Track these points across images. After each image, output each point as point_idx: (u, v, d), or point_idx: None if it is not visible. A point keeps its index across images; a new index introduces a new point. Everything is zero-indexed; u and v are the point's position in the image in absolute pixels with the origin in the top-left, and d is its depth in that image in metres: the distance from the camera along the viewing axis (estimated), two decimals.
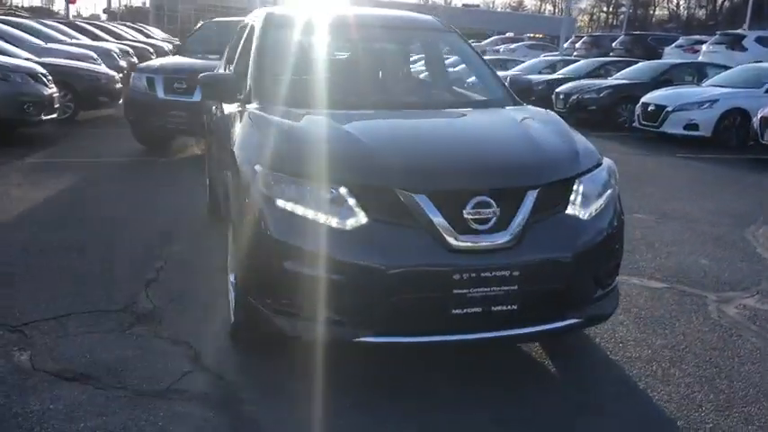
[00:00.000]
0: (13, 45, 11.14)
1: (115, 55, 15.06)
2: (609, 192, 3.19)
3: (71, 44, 15.22)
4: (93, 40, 17.97)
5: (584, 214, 3.02)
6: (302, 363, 3.03)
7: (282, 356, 3.20)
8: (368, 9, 4.85)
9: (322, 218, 2.76)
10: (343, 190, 2.78)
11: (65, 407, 2.80)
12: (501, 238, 2.80)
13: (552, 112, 3.83)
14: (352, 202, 2.76)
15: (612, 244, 3.17)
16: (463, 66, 4.30)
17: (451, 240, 2.74)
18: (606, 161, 3.35)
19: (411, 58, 4.57)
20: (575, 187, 3.04)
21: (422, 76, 4.35)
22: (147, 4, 59.29)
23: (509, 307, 2.83)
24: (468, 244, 2.76)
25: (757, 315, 4.04)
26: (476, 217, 2.78)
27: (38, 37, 14.19)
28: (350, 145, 3.03)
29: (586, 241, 3.00)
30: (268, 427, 2.74)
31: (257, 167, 2.95)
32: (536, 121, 3.56)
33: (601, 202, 3.12)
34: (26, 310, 3.70)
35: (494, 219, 2.80)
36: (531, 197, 2.87)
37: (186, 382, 3.04)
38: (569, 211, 2.99)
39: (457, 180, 2.90)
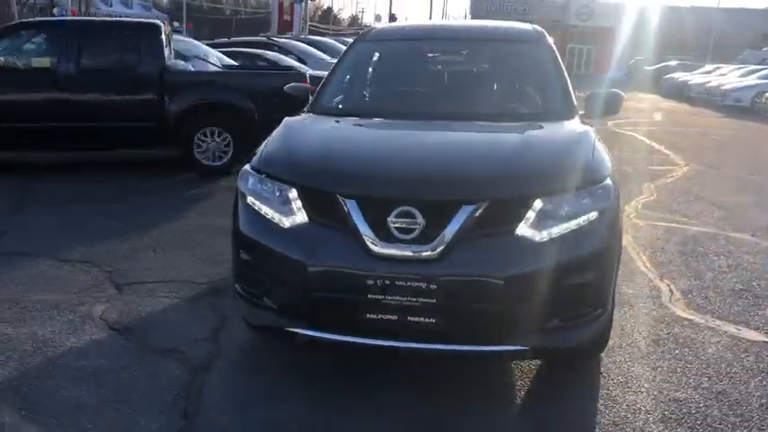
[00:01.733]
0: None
1: None
2: (587, 216, 2.91)
3: None
4: None
5: (538, 236, 2.82)
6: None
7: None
8: (462, 21, 4.86)
9: (270, 215, 3.04)
10: (293, 191, 3.02)
11: (85, 346, 3.51)
12: (423, 250, 2.78)
13: (587, 129, 3.53)
14: (297, 202, 2.99)
15: (579, 271, 2.89)
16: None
17: (372, 246, 2.81)
18: (607, 184, 3.05)
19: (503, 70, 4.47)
20: (534, 206, 2.86)
21: (496, 87, 4.26)
22: None
23: (427, 320, 2.80)
24: (388, 251, 2.80)
25: None
26: (399, 226, 2.81)
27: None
28: (313, 150, 3.23)
29: (532, 265, 2.80)
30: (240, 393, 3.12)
31: (246, 165, 3.34)
32: (544, 138, 3.36)
33: (568, 225, 2.87)
34: (139, 275, 4.57)
35: (417, 229, 2.79)
36: (465, 212, 2.79)
37: (192, 347, 3.54)
38: (520, 231, 2.82)
39: (384, 188, 2.95)
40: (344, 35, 32.07)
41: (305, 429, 2.83)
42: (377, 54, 4.47)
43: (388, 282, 2.78)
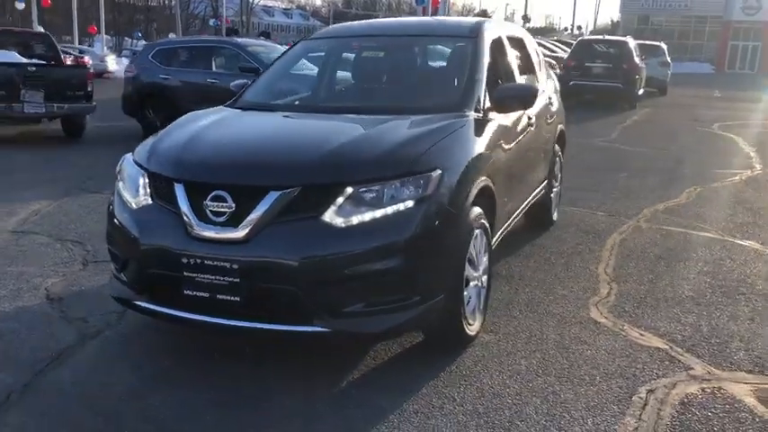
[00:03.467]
0: None
1: None
2: (400, 205, 2.95)
3: None
4: None
5: (342, 222, 2.90)
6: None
7: None
8: (408, 18, 4.90)
9: (126, 197, 3.34)
10: (144, 176, 3.31)
11: (12, 310, 3.98)
12: (232, 233, 2.95)
13: (454, 122, 3.51)
14: (146, 187, 3.27)
15: (384, 258, 2.92)
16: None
17: (190, 227, 3.02)
18: (429, 175, 3.05)
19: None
20: (344, 193, 2.94)
21: (406, 82, 4.27)
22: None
23: (232, 298, 2.96)
24: (203, 233, 2.99)
25: None
26: (213, 209, 3.00)
27: None
28: (171, 140, 3.49)
29: (330, 249, 2.88)
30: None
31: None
32: (387, 129, 3.39)
33: (377, 212, 2.92)
34: None
35: (228, 213, 2.97)
36: (272, 197, 2.93)
37: (98, 318, 3.91)
38: (326, 216, 2.91)
39: (202, 173, 3.14)
40: None
41: (129, 393, 3.08)
42: (311, 52, 4.66)
43: (200, 261, 2.98)
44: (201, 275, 2.99)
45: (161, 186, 3.22)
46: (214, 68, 11.57)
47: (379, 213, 2.93)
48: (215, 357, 3.41)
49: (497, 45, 4.63)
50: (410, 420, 2.84)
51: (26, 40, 13.25)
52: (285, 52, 4.66)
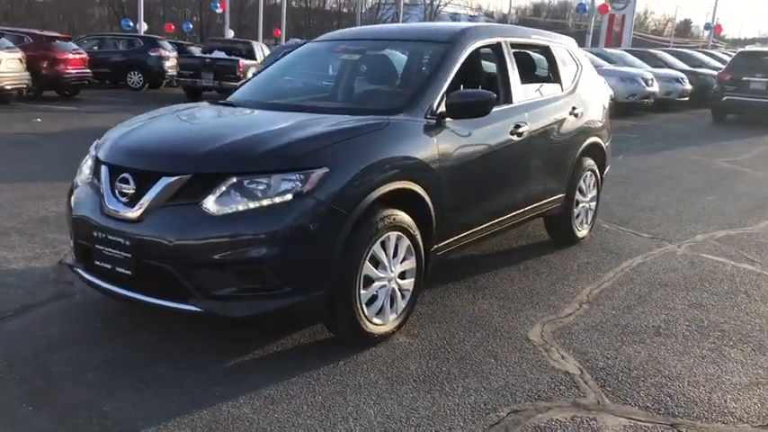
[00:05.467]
0: None
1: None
2: (278, 198, 3.10)
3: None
4: None
5: (218, 210, 3.10)
6: None
7: None
8: (405, 24, 4.92)
9: (78, 177, 3.78)
10: (90, 161, 3.72)
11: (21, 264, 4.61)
12: (128, 212, 3.26)
13: (373, 123, 3.56)
14: (88, 169, 3.69)
15: (256, 247, 3.08)
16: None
17: (103, 204, 3.38)
18: (311, 172, 3.16)
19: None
20: (226, 182, 3.14)
21: (371, 84, 4.31)
22: None
23: (126, 271, 3.27)
24: (111, 210, 3.33)
25: None
26: (120, 190, 3.33)
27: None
28: (122, 128, 3.87)
29: (203, 234, 3.10)
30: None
31: None
32: (300, 125, 3.52)
33: (254, 203, 3.09)
34: None
35: (129, 194, 3.28)
36: (163, 182, 3.20)
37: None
38: (206, 203, 3.13)
39: (117, 157, 3.47)
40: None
41: (46, 348, 3.49)
42: (302, 53, 4.88)
43: (104, 235, 3.33)
44: (106, 248, 3.33)
45: (97, 168, 3.60)
46: None
47: (254, 204, 3.10)
48: (123, 324, 3.75)
49: (490, 51, 4.58)
50: (254, 404, 2.99)
51: (234, 45, 20.98)
52: (286, 53, 4.95)
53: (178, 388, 3.11)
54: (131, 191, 3.29)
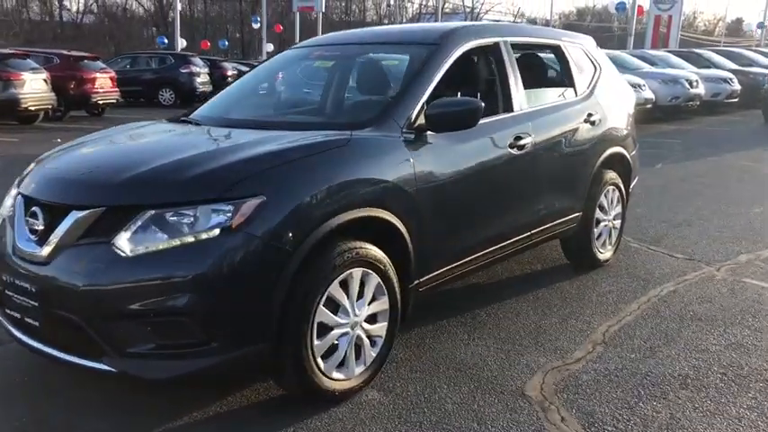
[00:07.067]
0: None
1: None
2: (203, 234, 2.56)
3: None
4: None
5: (130, 249, 2.57)
6: None
7: None
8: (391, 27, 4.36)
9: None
10: (14, 190, 3.21)
11: None
12: (38, 251, 2.76)
13: (327, 140, 3.00)
14: (10, 200, 3.17)
15: (174, 294, 2.53)
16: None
17: (14, 243, 2.88)
18: (242, 202, 2.61)
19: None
20: (141, 216, 2.60)
21: (346, 93, 3.75)
22: None
23: (33, 322, 2.78)
24: (22, 249, 2.83)
25: None
26: (30, 226, 2.83)
27: None
28: (49, 153, 3.39)
29: (112, 279, 2.57)
30: None
31: None
32: (240, 145, 2.98)
33: (173, 242, 2.55)
34: None
35: (39, 231, 2.78)
36: (73, 217, 2.69)
37: None
38: (117, 241, 2.60)
39: (28, 187, 2.97)
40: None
41: None
42: (279, 61, 4.35)
43: (11, 279, 2.84)
44: (15, 295, 2.84)
45: (18, 199, 3.12)
46: None
47: (175, 242, 2.56)
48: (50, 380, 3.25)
49: (484, 54, 4.00)
50: None
51: None
52: (264, 62, 4.44)
53: None
54: (40, 227, 2.79)
